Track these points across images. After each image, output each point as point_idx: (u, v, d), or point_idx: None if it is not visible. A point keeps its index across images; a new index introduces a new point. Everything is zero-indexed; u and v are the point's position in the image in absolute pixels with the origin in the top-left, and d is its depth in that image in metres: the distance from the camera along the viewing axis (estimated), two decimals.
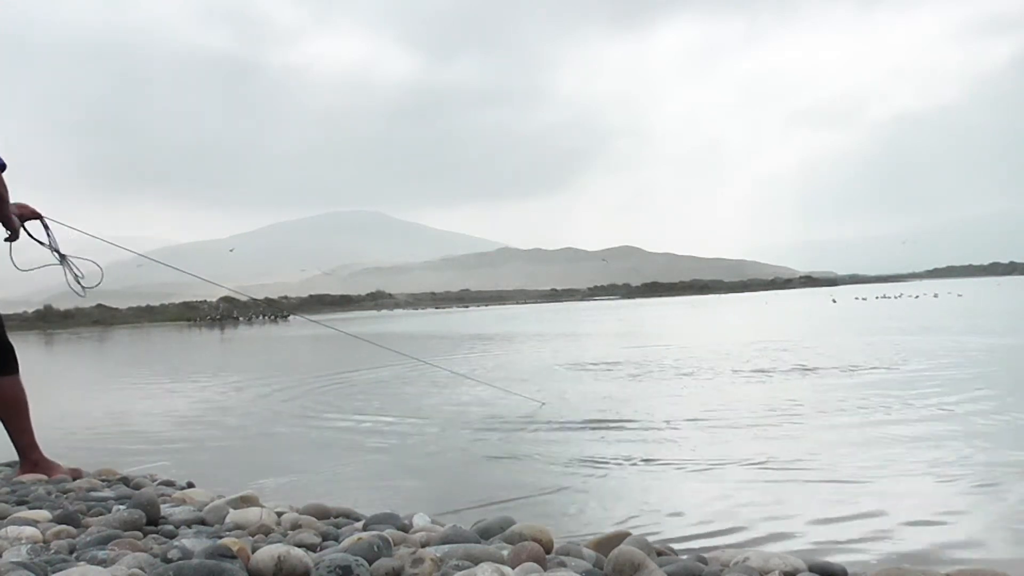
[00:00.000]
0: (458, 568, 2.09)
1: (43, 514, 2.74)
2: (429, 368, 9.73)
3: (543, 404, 6.74)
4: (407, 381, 9.33)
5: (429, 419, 6.40)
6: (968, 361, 8.79)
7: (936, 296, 38.34)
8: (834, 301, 37.71)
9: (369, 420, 6.56)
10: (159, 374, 13.36)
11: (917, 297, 39.24)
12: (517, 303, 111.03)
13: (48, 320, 68.27)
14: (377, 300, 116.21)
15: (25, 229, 3.75)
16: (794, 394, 6.87)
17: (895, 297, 40.66)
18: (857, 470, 4.03)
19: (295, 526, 2.74)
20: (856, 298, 41.56)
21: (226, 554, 2.10)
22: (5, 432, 3.71)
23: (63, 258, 3.94)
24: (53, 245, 3.90)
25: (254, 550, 2.17)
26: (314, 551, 2.35)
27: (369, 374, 10.29)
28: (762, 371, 8.68)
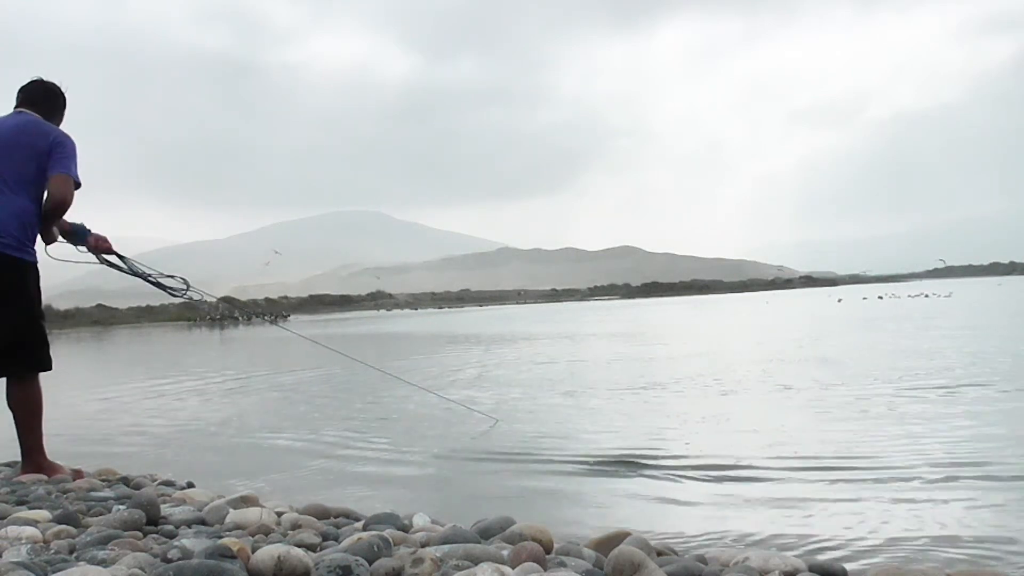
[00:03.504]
0: (458, 568, 2.08)
1: (43, 514, 2.74)
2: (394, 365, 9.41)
3: (497, 421, 6.12)
4: (360, 384, 9.18)
5: (389, 422, 6.34)
6: None
7: (939, 296, 38.30)
8: (839, 301, 37.63)
9: (349, 425, 6.51)
10: (156, 374, 13.35)
11: (927, 296, 39.14)
12: (517, 303, 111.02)
13: (48, 320, 67.57)
14: (377, 300, 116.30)
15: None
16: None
17: (910, 297, 40.39)
18: (857, 469, 4.03)
19: (295, 526, 2.73)
20: (864, 298, 41.30)
21: (226, 554, 2.10)
22: (12, 431, 3.71)
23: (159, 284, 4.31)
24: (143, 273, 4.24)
25: (254, 550, 2.17)
26: (314, 551, 2.35)
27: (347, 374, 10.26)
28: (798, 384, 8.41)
